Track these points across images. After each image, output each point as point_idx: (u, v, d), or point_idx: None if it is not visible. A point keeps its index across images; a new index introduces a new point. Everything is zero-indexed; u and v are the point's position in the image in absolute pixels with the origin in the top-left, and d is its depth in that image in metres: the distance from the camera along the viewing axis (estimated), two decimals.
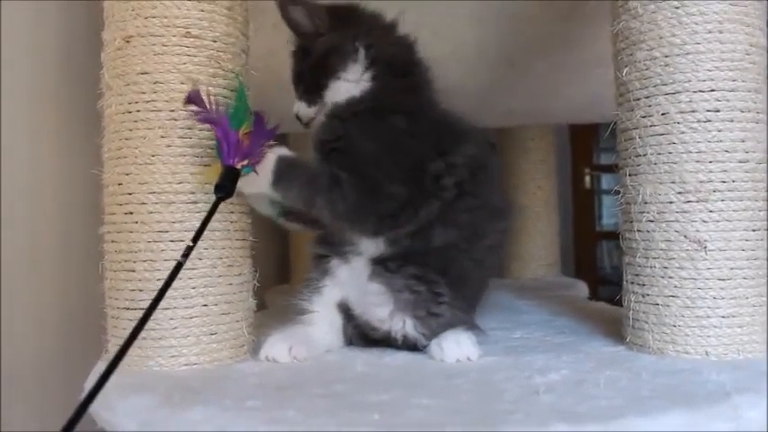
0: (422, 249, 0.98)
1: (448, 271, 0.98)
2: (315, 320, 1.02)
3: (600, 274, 3.62)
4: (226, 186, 0.88)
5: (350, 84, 1.02)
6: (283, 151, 0.96)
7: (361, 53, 1.02)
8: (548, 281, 2.04)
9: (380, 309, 0.99)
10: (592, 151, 3.68)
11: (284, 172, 0.94)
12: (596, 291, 2.65)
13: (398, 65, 1.04)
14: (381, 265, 0.99)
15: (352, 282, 1.02)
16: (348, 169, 0.95)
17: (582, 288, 1.98)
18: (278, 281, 2.15)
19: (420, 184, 0.97)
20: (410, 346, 0.99)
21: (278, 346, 0.96)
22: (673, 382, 0.80)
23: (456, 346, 0.95)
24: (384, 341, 1.01)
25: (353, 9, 1.06)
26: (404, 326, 0.98)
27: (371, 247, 1.00)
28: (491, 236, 1.04)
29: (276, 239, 2.14)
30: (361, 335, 1.04)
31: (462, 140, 1.02)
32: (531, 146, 2.11)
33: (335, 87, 1.02)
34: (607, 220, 3.88)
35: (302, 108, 1.05)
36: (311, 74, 1.03)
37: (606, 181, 3.78)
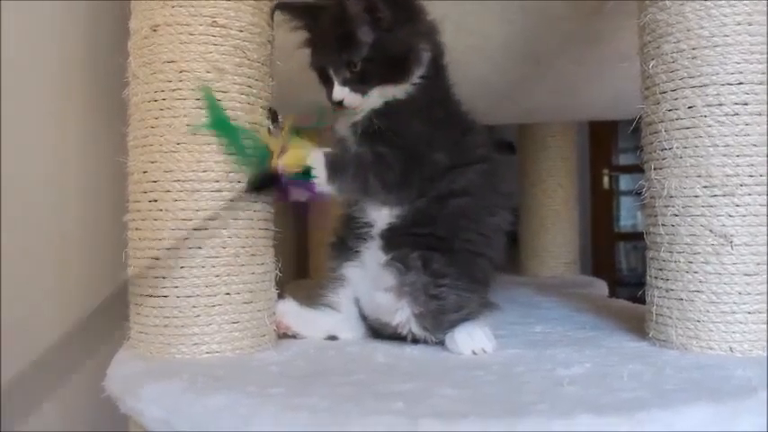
0: (435, 216, 1.00)
1: (455, 246, 0.99)
2: (327, 307, 1.08)
3: (617, 276, 3.60)
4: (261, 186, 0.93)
5: (406, 84, 1.02)
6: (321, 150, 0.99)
7: (426, 56, 1.03)
8: (567, 279, 2.03)
9: (386, 302, 1.00)
10: (611, 152, 3.67)
11: (334, 165, 0.97)
12: (614, 292, 2.64)
13: (441, 65, 1.06)
14: (390, 260, 1.00)
15: (361, 283, 1.05)
16: (391, 146, 0.99)
17: (601, 286, 1.97)
18: (297, 275, 2.15)
19: (456, 153, 1.02)
20: (421, 340, 0.99)
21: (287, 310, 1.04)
22: (697, 376, 0.79)
23: (469, 339, 0.95)
24: (396, 336, 1.01)
25: (409, 2, 1.03)
26: (408, 321, 0.99)
27: (383, 220, 1.03)
28: (499, 215, 1.05)
29: (296, 235, 2.15)
30: (374, 331, 1.07)
31: (476, 129, 1.08)
32: (551, 143, 2.10)
33: (393, 86, 1.01)
34: (625, 222, 3.86)
35: (348, 95, 1.00)
36: (373, 68, 0.99)
37: (625, 182, 3.77)
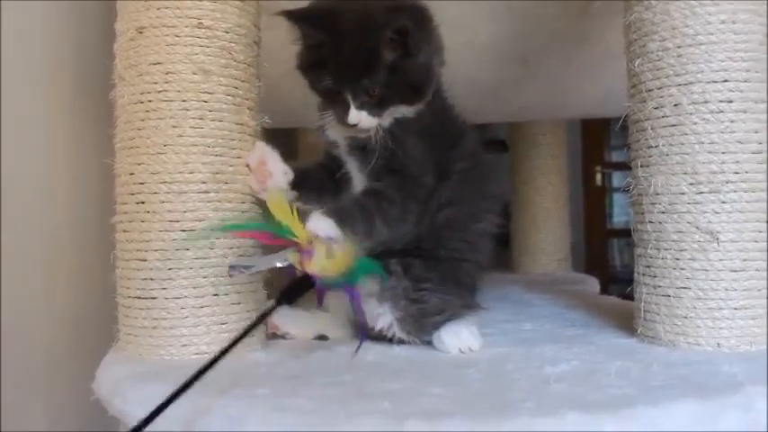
0: (423, 231, 1.00)
1: (440, 254, 1.00)
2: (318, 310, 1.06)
3: (610, 272, 3.61)
4: (293, 295, 0.87)
5: (421, 105, 1.00)
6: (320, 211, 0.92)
7: (439, 74, 1.02)
8: (558, 276, 2.03)
9: (369, 308, 0.99)
10: (603, 149, 3.68)
11: (342, 218, 0.90)
12: (607, 288, 2.64)
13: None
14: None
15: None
16: (388, 172, 0.97)
17: (593, 283, 1.97)
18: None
19: (440, 170, 1.01)
20: (407, 341, 0.99)
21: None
22: (684, 372, 0.79)
23: (456, 338, 0.96)
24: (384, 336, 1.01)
25: (428, 19, 1.00)
26: (391, 325, 0.99)
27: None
28: (486, 220, 1.06)
29: None
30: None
31: (466, 133, 1.07)
32: (542, 141, 2.10)
33: (407, 107, 0.99)
34: (618, 218, 3.87)
35: (364, 119, 0.95)
36: (392, 91, 0.95)
37: (617, 179, 3.77)
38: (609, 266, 3.69)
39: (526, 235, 2.12)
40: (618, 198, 3.83)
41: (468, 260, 1.02)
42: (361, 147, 0.99)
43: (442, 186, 1.00)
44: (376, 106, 0.95)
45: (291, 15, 0.94)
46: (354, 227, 0.90)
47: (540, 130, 2.11)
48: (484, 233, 1.05)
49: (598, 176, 3.69)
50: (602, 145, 3.67)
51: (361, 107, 0.95)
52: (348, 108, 0.95)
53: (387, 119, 0.97)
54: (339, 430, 0.64)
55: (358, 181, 1.02)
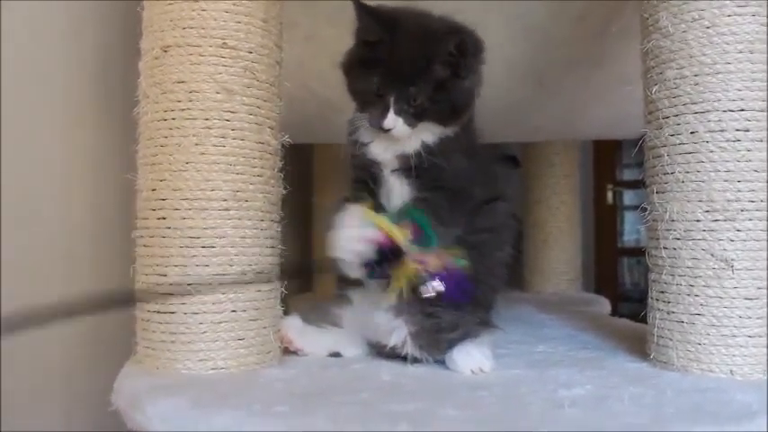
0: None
1: None
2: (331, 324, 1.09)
3: (620, 291, 3.60)
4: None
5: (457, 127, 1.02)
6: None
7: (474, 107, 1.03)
8: (569, 296, 2.04)
9: (385, 322, 1.00)
10: (615, 167, 3.67)
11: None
12: (617, 307, 2.64)
13: None
14: None
15: (363, 303, 1.06)
16: (436, 188, 1.00)
17: (604, 304, 1.98)
18: (301, 289, 2.17)
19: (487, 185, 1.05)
20: (421, 360, 1.00)
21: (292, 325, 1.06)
22: (698, 400, 0.80)
23: (468, 358, 0.97)
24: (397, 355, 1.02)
25: (481, 49, 1.01)
26: (405, 341, 0.99)
27: None
28: (504, 250, 1.07)
29: (300, 249, 2.16)
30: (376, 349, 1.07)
31: (491, 163, 1.12)
32: (555, 161, 2.11)
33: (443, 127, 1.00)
34: (628, 237, 3.86)
35: (400, 127, 0.97)
36: (432, 107, 0.96)
37: (629, 197, 3.76)
38: (619, 284, 3.68)
39: (538, 254, 2.12)
40: (629, 216, 3.82)
41: (485, 283, 1.03)
42: (407, 166, 1.00)
43: (489, 207, 1.04)
44: (413, 116, 0.97)
45: (361, 6, 0.97)
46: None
47: (554, 149, 2.12)
48: (502, 261, 1.07)
49: (609, 194, 3.69)
50: (614, 163, 3.66)
51: (398, 113, 0.96)
52: (386, 111, 0.96)
53: (422, 133, 0.99)
54: None
55: (398, 201, 1.03)
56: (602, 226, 3.59)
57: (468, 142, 1.03)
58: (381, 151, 1.02)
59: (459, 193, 1.01)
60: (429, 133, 1.00)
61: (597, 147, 3.40)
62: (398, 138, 0.98)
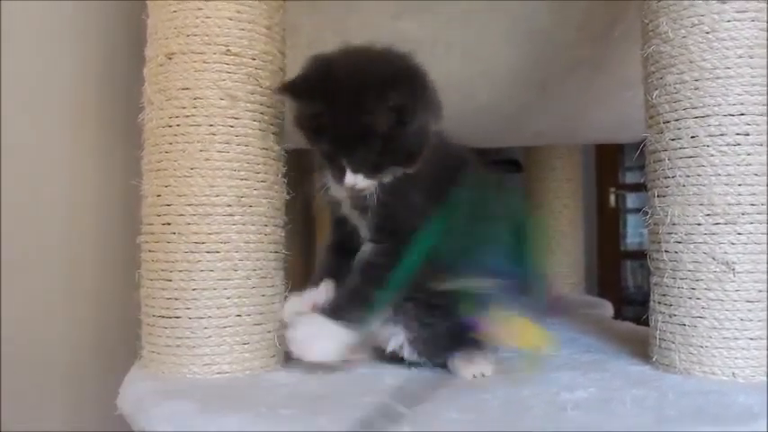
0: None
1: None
2: None
3: (623, 294, 3.60)
4: None
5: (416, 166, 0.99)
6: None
7: (433, 133, 1.00)
8: (573, 299, 2.04)
9: (382, 330, 1.00)
10: (617, 170, 3.67)
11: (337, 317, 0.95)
12: (620, 310, 2.64)
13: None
14: None
15: None
16: (387, 229, 0.98)
17: (607, 307, 1.98)
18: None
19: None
20: (419, 363, 1.01)
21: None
22: (700, 402, 0.80)
23: (469, 363, 0.97)
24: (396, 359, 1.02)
25: (422, 84, 0.97)
26: (402, 346, 1.00)
27: None
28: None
29: (303, 253, 2.17)
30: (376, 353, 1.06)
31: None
32: (557, 164, 2.11)
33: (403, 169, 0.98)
34: (631, 240, 3.86)
35: (360, 182, 0.95)
36: (388, 157, 0.95)
37: (631, 200, 3.77)
38: (622, 287, 3.68)
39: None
40: (632, 219, 3.82)
41: None
42: (362, 206, 1.00)
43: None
44: (372, 170, 0.95)
45: (289, 91, 0.96)
46: (350, 318, 0.94)
47: (556, 153, 2.12)
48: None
49: (612, 198, 3.69)
50: (616, 166, 3.67)
51: (356, 171, 0.94)
52: (345, 172, 0.95)
53: (385, 178, 0.97)
54: None
55: (364, 234, 1.02)
56: (605, 229, 3.60)
57: (432, 166, 1.00)
58: (339, 192, 1.02)
59: (415, 228, 0.96)
60: (390, 175, 0.97)
61: (599, 150, 3.40)
62: (365, 189, 0.97)
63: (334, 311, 0.95)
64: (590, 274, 2.44)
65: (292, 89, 0.96)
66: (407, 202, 0.99)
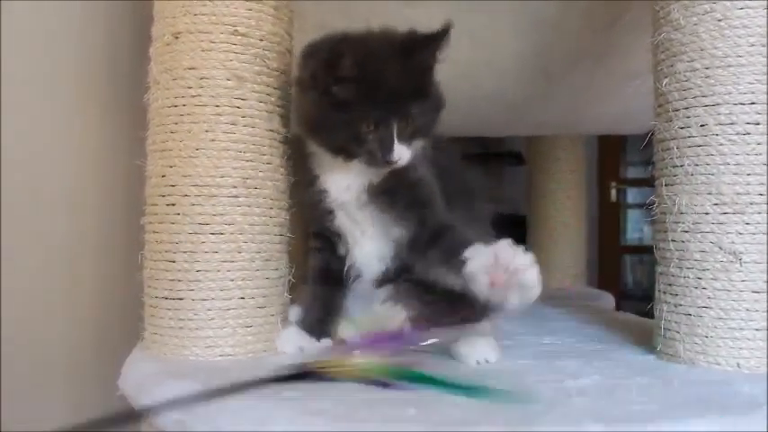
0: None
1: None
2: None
3: (622, 289, 3.61)
4: None
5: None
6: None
7: None
8: (574, 291, 2.04)
9: (383, 311, 1.00)
10: (618, 165, 3.67)
11: None
12: (619, 305, 2.64)
13: None
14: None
15: (355, 304, 1.04)
16: (414, 207, 0.96)
17: (608, 299, 1.98)
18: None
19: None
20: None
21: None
22: (705, 391, 0.80)
23: (473, 349, 0.96)
24: None
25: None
26: (404, 325, 0.98)
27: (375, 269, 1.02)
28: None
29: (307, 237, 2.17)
30: None
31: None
32: (560, 156, 2.11)
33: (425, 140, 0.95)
34: (631, 235, 3.87)
35: (404, 152, 0.90)
36: (424, 122, 0.91)
37: (632, 195, 3.77)
38: (621, 283, 3.68)
39: (542, 249, 2.12)
40: (632, 214, 3.82)
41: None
42: (383, 190, 0.96)
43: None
44: (410, 138, 0.90)
45: (325, 49, 0.89)
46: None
47: (559, 144, 2.12)
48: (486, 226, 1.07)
49: (613, 192, 3.69)
50: (618, 161, 3.67)
51: (401, 140, 0.89)
52: (390, 143, 0.88)
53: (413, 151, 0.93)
54: None
55: (368, 236, 1.00)
56: (605, 224, 3.60)
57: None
58: (344, 191, 0.97)
59: (436, 204, 0.97)
60: (415, 148, 0.93)
61: (601, 144, 3.40)
62: (400, 166, 0.92)
63: None
64: (590, 268, 2.43)
65: (325, 51, 0.89)
66: (428, 178, 0.97)
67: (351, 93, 0.88)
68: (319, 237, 1.04)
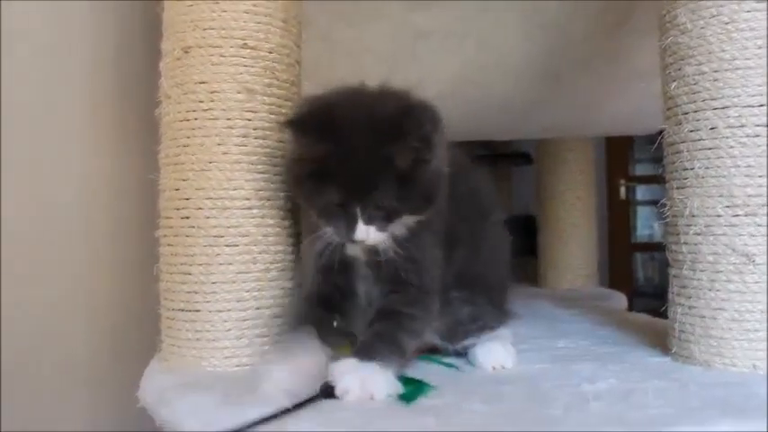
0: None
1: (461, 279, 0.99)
2: None
3: (634, 286, 3.60)
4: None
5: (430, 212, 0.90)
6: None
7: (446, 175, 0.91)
8: (586, 291, 2.04)
9: None
10: (627, 162, 3.66)
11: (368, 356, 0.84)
12: (631, 303, 2.64)
13: None
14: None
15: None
16: (403, 281, 0.90)
17: (620, 299, 1.98)
18: None
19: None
20: (440, 350, 1.01)
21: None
22: (721, 394, 0.80)
23: (490, 355, 0.97)
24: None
25: (439, 119, 0.86)
26: None
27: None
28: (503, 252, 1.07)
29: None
30: None
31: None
32: (569, 156, 2.11)
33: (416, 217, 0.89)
34: (641, 232, 3.85)
35: (372, 235, 0.85)
36: (402, 203, 0.85)
37: (641, 192, 3.76)
38: (632, 280, 3.67)
39: (553, 250, 2.12)
40: (642, 212, 3.81)
41: (487, 274, 1.03)
42: (374, 263, 0.91)
43: (478, 234, 1.01)
44: (384, 220, 0.85)
45: (294, 126, 0.87)
46: (383, 357, 0.83)
47: (568, 145, 2.12)
48: (503, 261, 1.07)
49: (622, 190, 3.68)
50: (627, 158, 3.66)
51: (369, 222, 0.84)
52: (354, 223, 0.84)
53: (396, 229, 0.88)
54: None
55: (369, 295, 0.95)
56: (616, 221, 3.59)
57: (439, 214, 0.92)
58: (353, 248, 0.91)
59: (432, 277, 0.92)
60: (401, 226, 0.88)
61: (609, 142, 3.39)
62: (373, 244, 0.87)
63: (367, 352, 0.83)
64: (601, 266, 2.43)
65: (299, 125, 0.86)
66: (425, 252, 0.92)
67: (319, 170, 0.85)
68: (329, 271, 0.95)
